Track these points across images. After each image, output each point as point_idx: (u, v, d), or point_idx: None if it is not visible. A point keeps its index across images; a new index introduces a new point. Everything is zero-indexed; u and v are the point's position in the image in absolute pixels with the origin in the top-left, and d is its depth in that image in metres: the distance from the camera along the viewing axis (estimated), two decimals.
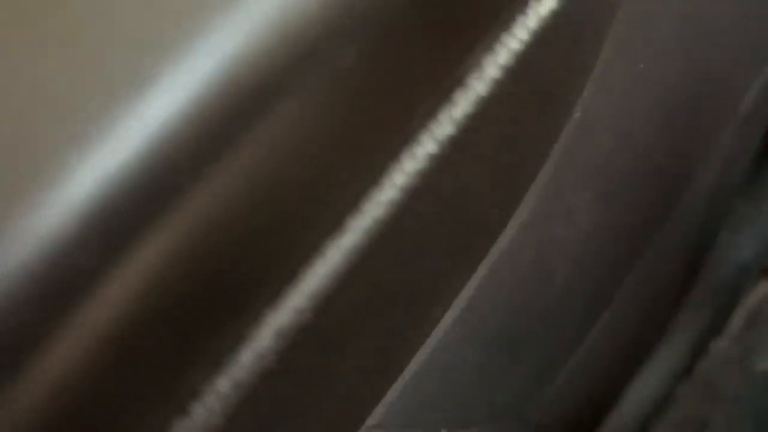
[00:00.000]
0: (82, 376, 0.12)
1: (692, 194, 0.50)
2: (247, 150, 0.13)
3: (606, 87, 0.31)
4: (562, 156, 0.30)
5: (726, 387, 0.74)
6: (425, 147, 0.16)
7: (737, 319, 0.79)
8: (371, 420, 0.31)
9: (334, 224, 0.15)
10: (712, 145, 0.47)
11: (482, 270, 0.31)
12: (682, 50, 0.37)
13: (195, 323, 0.14)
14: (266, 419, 0.15)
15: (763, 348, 0.76)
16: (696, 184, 0.50)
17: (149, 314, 0.12)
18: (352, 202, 0.15)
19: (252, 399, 0.14)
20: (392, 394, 0.30)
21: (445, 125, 0.16)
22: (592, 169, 0.33)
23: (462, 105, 0.17)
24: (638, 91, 0.35)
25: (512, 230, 0.31)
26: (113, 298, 0.12)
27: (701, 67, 0.41)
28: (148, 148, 0.12)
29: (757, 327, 0.77)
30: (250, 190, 0.13)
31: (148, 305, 0.12)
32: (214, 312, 0.14)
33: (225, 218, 0.13)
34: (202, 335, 0.14)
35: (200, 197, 0.12)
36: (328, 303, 0.15)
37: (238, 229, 0.13)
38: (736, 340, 0.77)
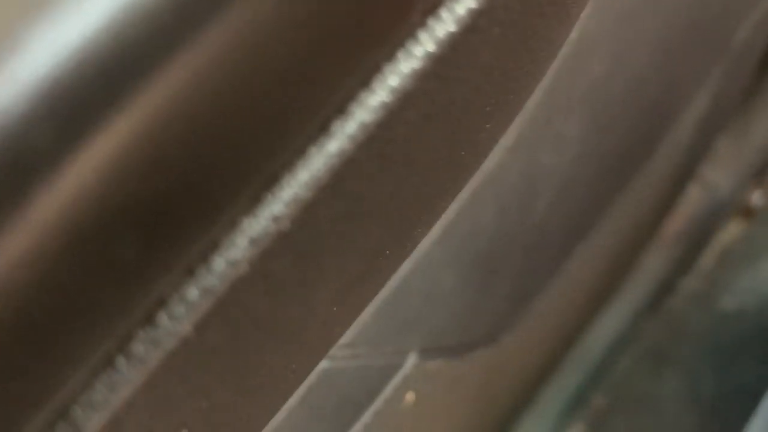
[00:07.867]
0: (35, 277, 0.11)
1: (679, 128, 0.49)
2: (220, 32, 0.11)
3: (604, 9, 0.30)
4: (554, 80, 0.29)
5: (689, 323, 0.76)
6: (424, 45, 0.14)
7: (707, 257, 0.79)
8: (343, 339, 0.30)
9: (319, 127, 0.14)
10: (704, 79, 0.46)
11: (465, 194, 0.30)
12: None
13: (165, 229, 0.12)
14: (237, 329, 0.14)
15: (729, 287, 0.76)
16: (684, 118, 0.49)
17: (110, 213, 0.11)
18: (339, 104, 0.14)
19: (222, 308, 0.14)
20: (365, 315, 0.30)
21: (447, 22, 0.15)
22: (585, 95, 0.32)
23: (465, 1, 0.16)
24: (636, 19, 0.33)
25: (498, 155, 0.30)
26: (68, 189, 0.11)
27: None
28: (111, 19, 0.11)
29: (726, 266, 0.77)
30: (223, 81, 0.12)
31: (108, 202, 0.11)
32: (187, 219, 0.13)
33: (195, 113, 0.11)
34: (173, 243, 0.13)
35: (167, 84, 0.11)
36: (308, 211, 0.14)
37: (209, 126, 0.12)
38: (705, 277, 0.78)
